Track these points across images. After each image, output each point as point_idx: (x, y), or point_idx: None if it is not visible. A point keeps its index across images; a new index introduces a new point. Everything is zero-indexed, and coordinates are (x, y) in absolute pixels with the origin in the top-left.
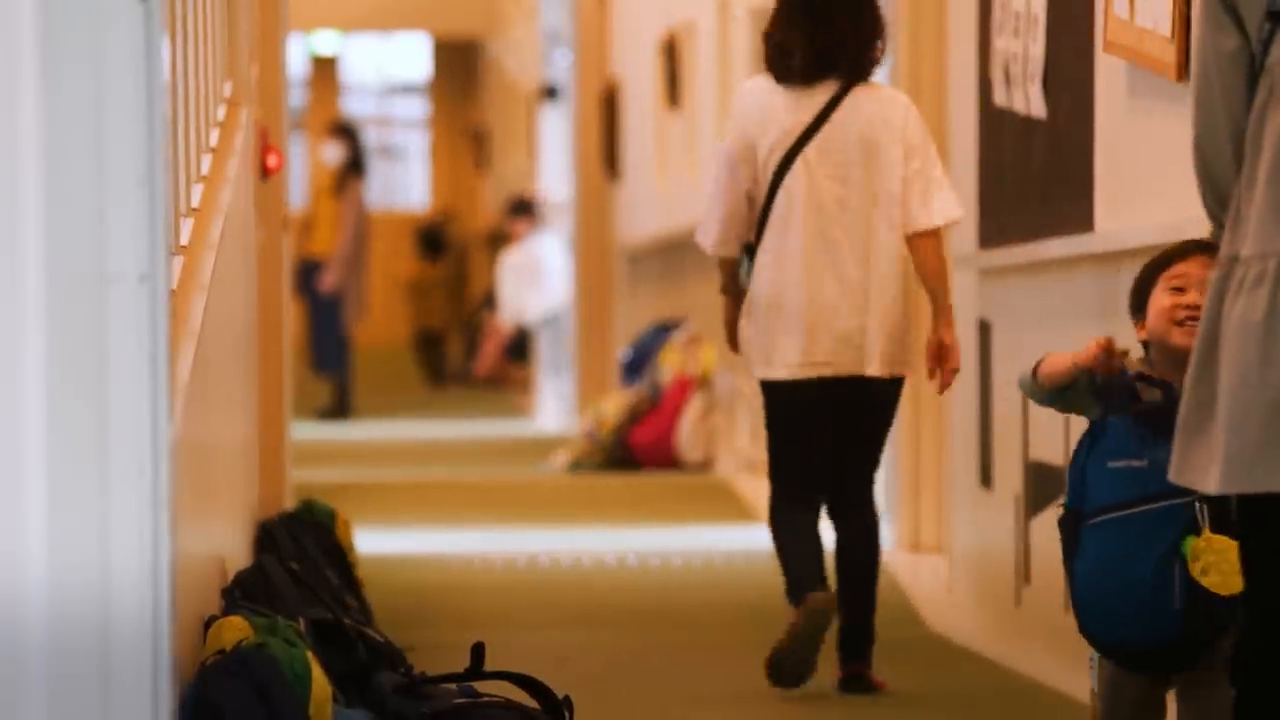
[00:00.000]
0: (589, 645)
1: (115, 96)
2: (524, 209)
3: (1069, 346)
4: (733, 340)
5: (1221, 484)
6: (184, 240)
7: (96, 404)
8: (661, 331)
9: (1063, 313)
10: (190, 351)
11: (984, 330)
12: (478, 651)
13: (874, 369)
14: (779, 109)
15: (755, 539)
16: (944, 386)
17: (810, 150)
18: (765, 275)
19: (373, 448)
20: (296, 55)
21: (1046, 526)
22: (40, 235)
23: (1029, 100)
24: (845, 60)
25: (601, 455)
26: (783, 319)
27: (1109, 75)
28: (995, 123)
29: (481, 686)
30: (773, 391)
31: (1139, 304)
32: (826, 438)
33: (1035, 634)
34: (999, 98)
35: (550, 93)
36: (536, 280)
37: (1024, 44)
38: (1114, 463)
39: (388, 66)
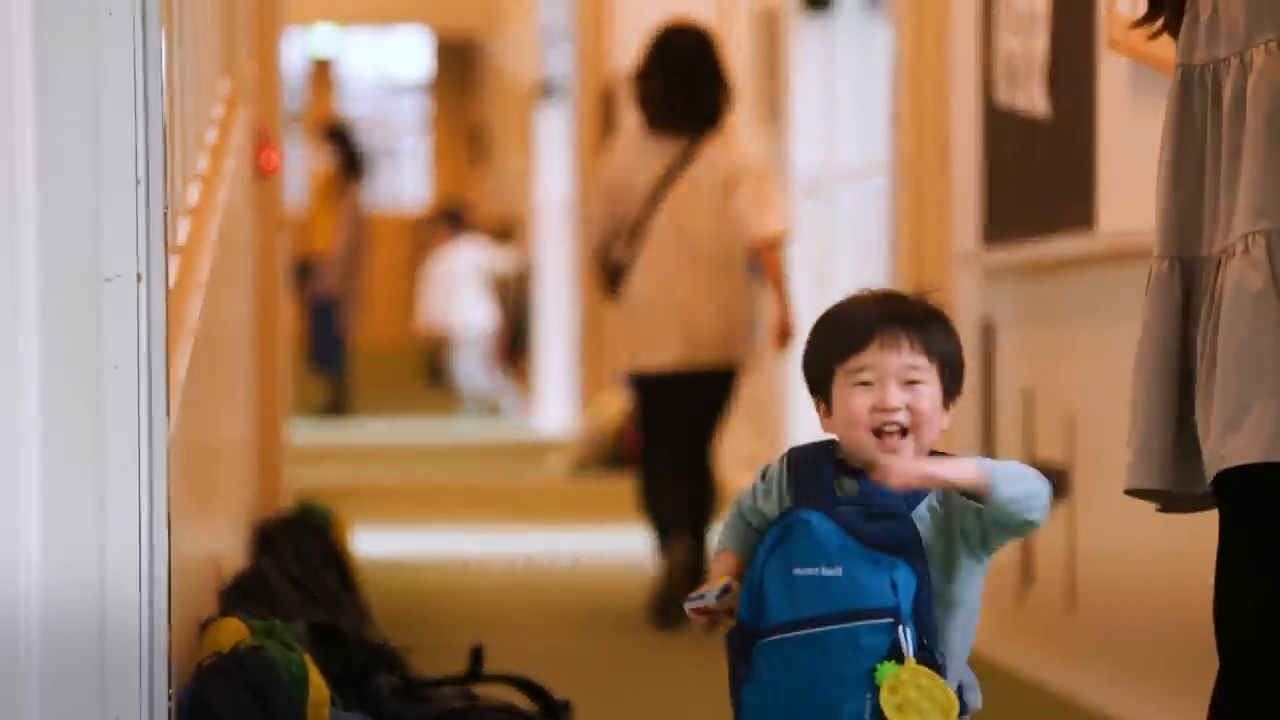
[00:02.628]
0: (588, 647)
1: (111, 94)
2: (448, 218)
3: (1072, 345)
4: (609, 290)
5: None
6: (181, 240)
7: (92, 404)
8: None
9: (1066, 312)
10: (187, 351)
11: (987, 330)
12: (476, 654)
13: (719, 359)
14: (650, 153)
15: None
16: (779, 346)
17: (676, 187)
18: (638, 286)
19: (371, 448)
20: (295, 55)
21: (1049, 526)
22: (35, 234)
23: (1031, 99)
24: (699, 111)
25: (602, 456)
26: (651, 322)
27: (1112, 73)
28: (998, 122)
29: (480, 689)
30: (642, 380)
31: (815, 384)
32: (685, 414)
33: (1037, 635)
34: (1001, 96)
35: (549, 90)
36: (452, 291)
37: (1027, 42)
38: (801, 570)
39: (386, 65)
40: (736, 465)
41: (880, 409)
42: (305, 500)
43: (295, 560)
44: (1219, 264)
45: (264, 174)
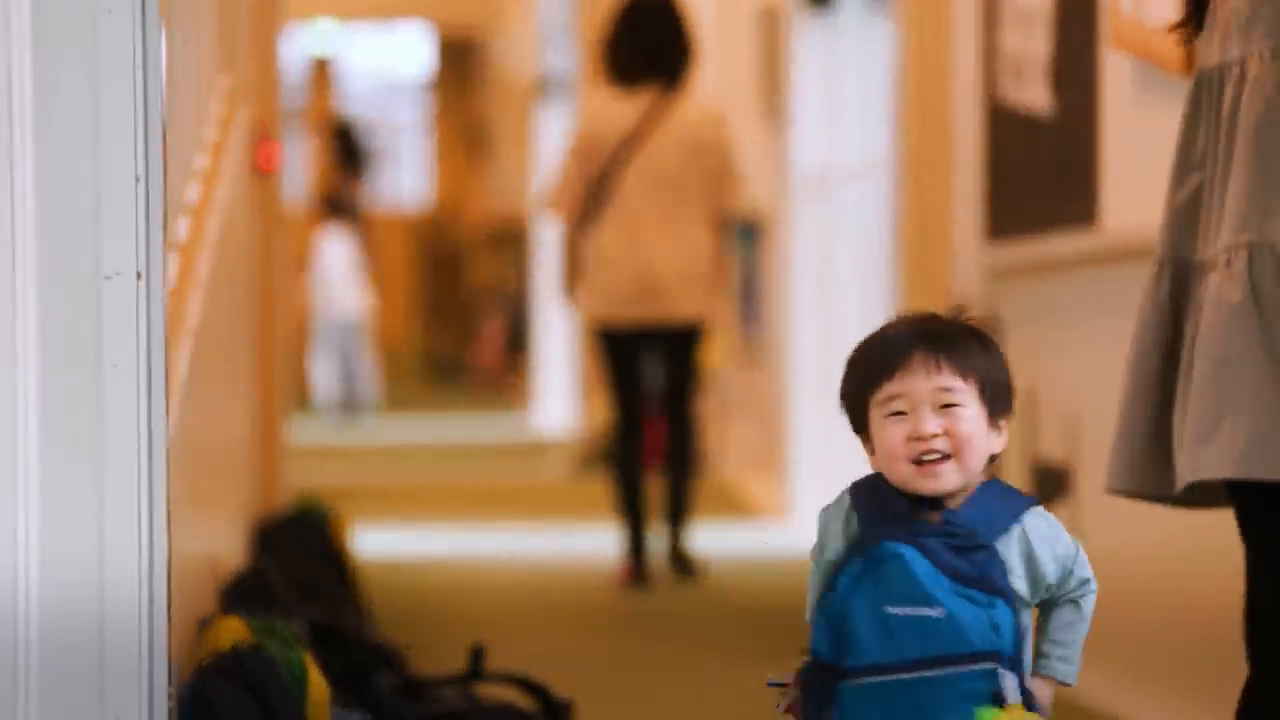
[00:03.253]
0: (589, 647)
1: (110, 92)
2: (329, 205)
3: (1075, 343)
4: (569, 291)
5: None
6: (180, 238)
7: (92, 402)
8: None
9: (1068, 311)
10: (187, 350)
11: (990, 328)
12: (477, 653)
13: (685, 315)
14: (618, 110)
15: (758, 539)
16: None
17: (646, 143)
18: (606, 240)
19: (371, 448)
20: (295, 52)
21: None
22: (35, 232)
23: (1034, 96)
24: (664, 68)
25: (602, 455)
26: (618, 276)
27: (1116, 71)
28: (1000, 119)
29: (481, 688)
30: (608, 335)
31: (855, 419)
32: (652, 369)
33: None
34: (1004, 94)
35: (549, 87)
36: (324, 282)
37: (1029, 39)
38: (897, 609)
39: (387, 62)
40: (740, 465)
41: (915, 438)
42: (305, 499)
43: (295, 559)
44: (1205, 273)
45: (264, 172)
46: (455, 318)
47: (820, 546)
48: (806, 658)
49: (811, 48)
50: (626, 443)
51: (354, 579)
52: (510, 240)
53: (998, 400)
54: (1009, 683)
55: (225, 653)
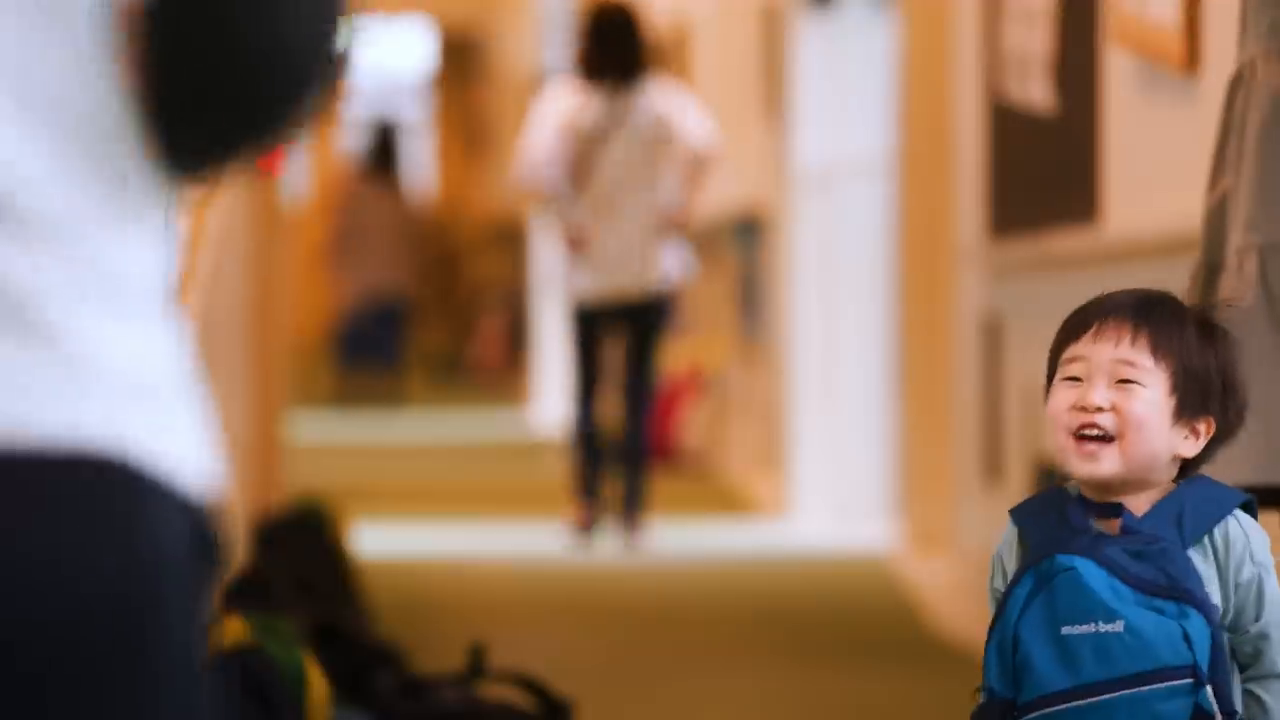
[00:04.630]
0: (590, 645)
1: None
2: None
3: None
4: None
5: None
6: (180, 236)
7: None
8: None
9: (1071, 308)
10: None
11: (993, 327)
12: (477, 652)
13: (651, 293)
14: (588, 101)
15: (758, 538)
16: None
17: (613, 131)
18: (585, 218)
19: (370, 446)
20: None
21: None
22: None
23: (1036, 94)
24: (625, 64)
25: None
26: (594, 255)
27: (1118, 69)
28: (1002, 117)
29: (481, 688)
30: (581, 311)
31: (1049, 381)
32: (622, 342)
33: None
34: (1005, 92)
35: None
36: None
37: (1031, 37)
38: (1073, 628)
39: (387, 59)
40: (741, 463)
41: (1080, 407)
42: (304, 498)
43: (295, 559)
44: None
45: (265, 172)
46: (455, 314)
47: (990, 579)
48: (981, 696)
49: (812, 45)
50: (585, 400)
51: (354, 579)
52: (510, 237)
53: (1193, 395)
54: (1208, 699)
55: (225, 653)
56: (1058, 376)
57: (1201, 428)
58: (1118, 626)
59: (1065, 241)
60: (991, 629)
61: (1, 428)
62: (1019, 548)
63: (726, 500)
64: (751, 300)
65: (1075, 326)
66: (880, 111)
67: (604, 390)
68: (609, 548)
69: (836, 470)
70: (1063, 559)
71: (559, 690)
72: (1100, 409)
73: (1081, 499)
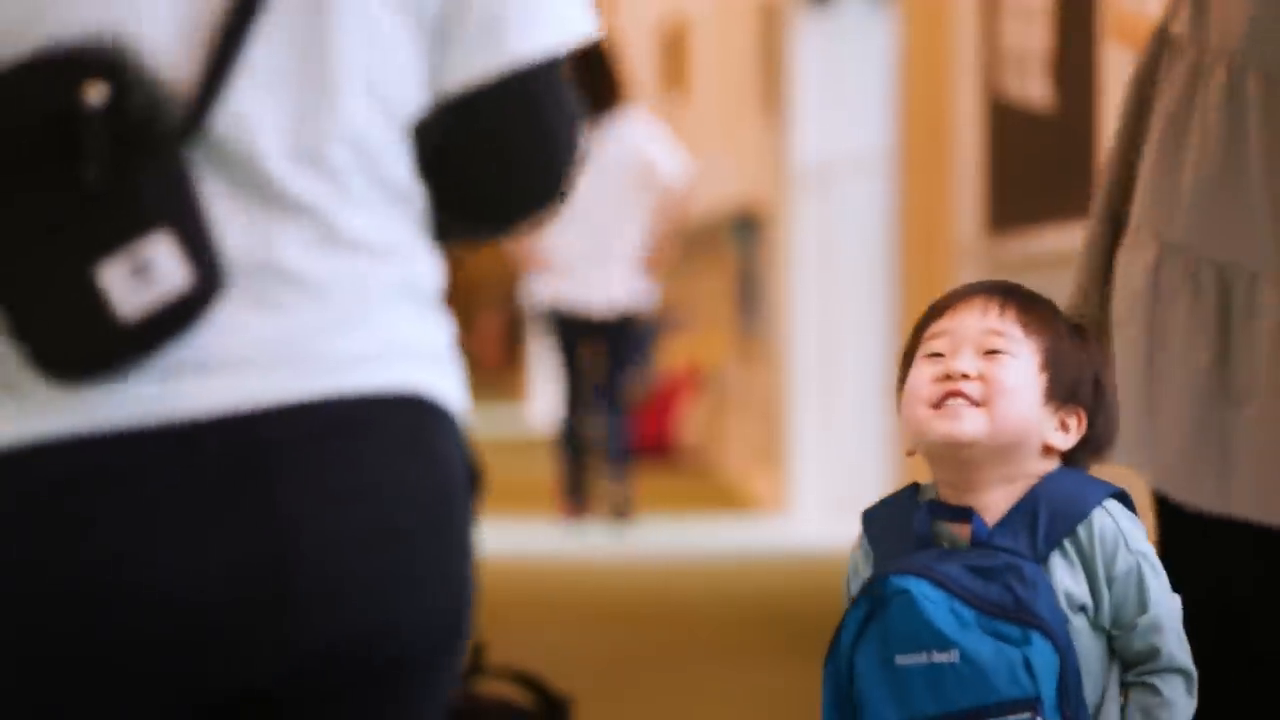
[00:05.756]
0: (588, 642)
1: None
2: None
3: None
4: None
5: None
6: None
7: None
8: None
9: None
10: None
11: None
12: (476, 649)
13: (629, 309)
14: None
15: (757, 535)
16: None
17: (593, 162)
18: (565, 240)
19: None
20: None
21: None
22: None
23: (1035, 91)
24: (599, 98)
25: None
26: (575, 274)
27: (1116, 65)
28: (1001, 113)
29: (479, 685)
30: (561, 320)
31: (901, 376)
32: (599, 351)
33: None
34: (1004, 88)
35: None
36: None
37: (1029, 33)
38: (906, 658)
39: None
40: (740, 460)
41: (944, 376)
42: None
43: None
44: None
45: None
46: (453, 311)
47: (846, 591)
48: None
49: (811, 42)
50: (569, 402)
51: None
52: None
53: (1064, 380)
54: None
55: None
56: (917, 354)
57: (1072, 421)
58: (952, 656)
59: (1064, 238)
60: (827, 658)
61: (352, 384)
62: (870, 558)
63: (725, 497)
64: (750, 297)
65: (937, 308)
66: (879, 109)
67: (587, 394)
68: (601, 543)
69: (835, 467)
70: (896, 581)
71: (558, 687)
72: (966, 376)
73: (932, 504)
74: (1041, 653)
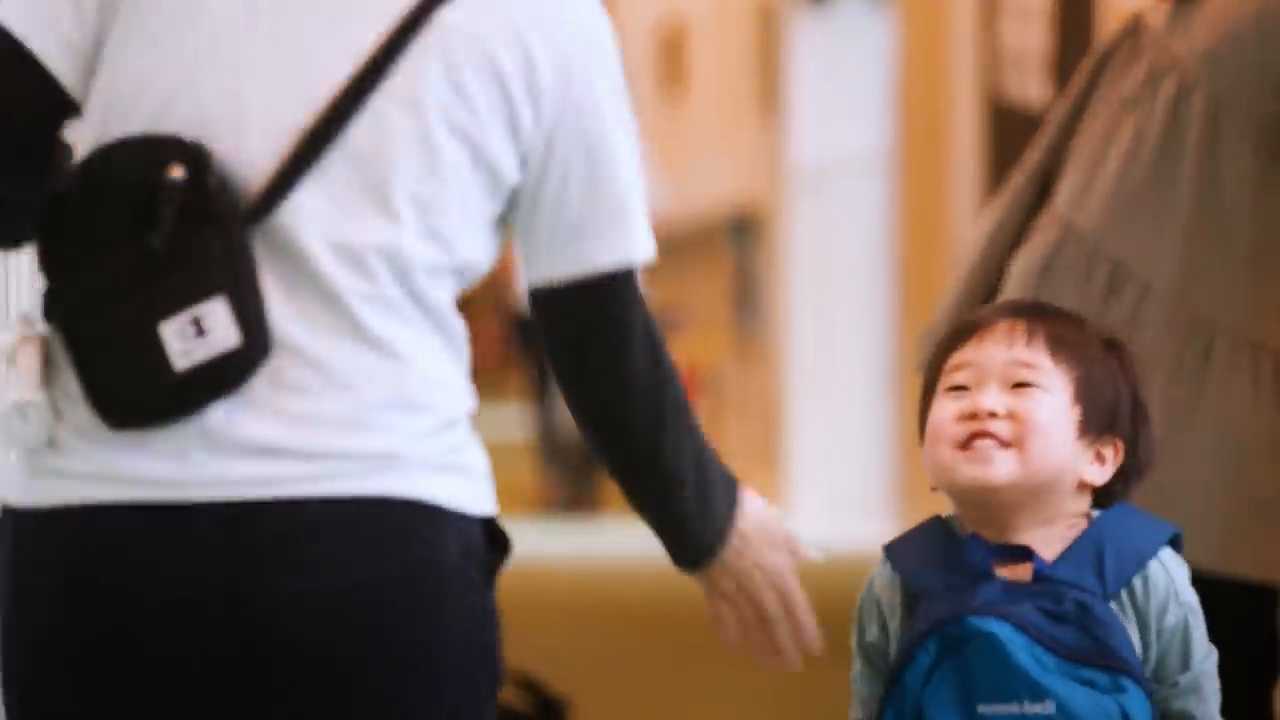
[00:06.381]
0: (585, 643)
1: None
2: None
3: None
4: None
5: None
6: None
7: None
8: None
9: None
10: None
11: None
12: None
13: None
14: None
15: None
16: None
17: None
18: None
19: None
20: None
21: None
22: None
23: (1034, 91)
24: None
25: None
26: None
27: None
28: (1000, 114)
29: None
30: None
31: (924, 408)
32: None
33: None
34: (1002, 88)
35: None
36: None
37: (1027, 33)
38: (993, 707)
39: None
40: (739, 462)
41: (969, 415)
42: None
43: None
44: None
45: None
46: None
47: (860, 630)
48: None
49: (809, 43)
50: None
51: None
52: None
53: (1100, 410)
54: None
55: None
56: (939, 388)
57: (1109, 452)
58: (1047, 707)
59: None
60: (885, 702)
61: (352, 488)
62: (900, 594)
63: None
64: (748, 298)
65: (957, 333)
66: (877, 109)
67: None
68: (601, 543)
69: (833, 468)
70: (976, 622)
71: (557, 688)
72: (994, 414)
73: (976, 538)
74: (1136, 699)
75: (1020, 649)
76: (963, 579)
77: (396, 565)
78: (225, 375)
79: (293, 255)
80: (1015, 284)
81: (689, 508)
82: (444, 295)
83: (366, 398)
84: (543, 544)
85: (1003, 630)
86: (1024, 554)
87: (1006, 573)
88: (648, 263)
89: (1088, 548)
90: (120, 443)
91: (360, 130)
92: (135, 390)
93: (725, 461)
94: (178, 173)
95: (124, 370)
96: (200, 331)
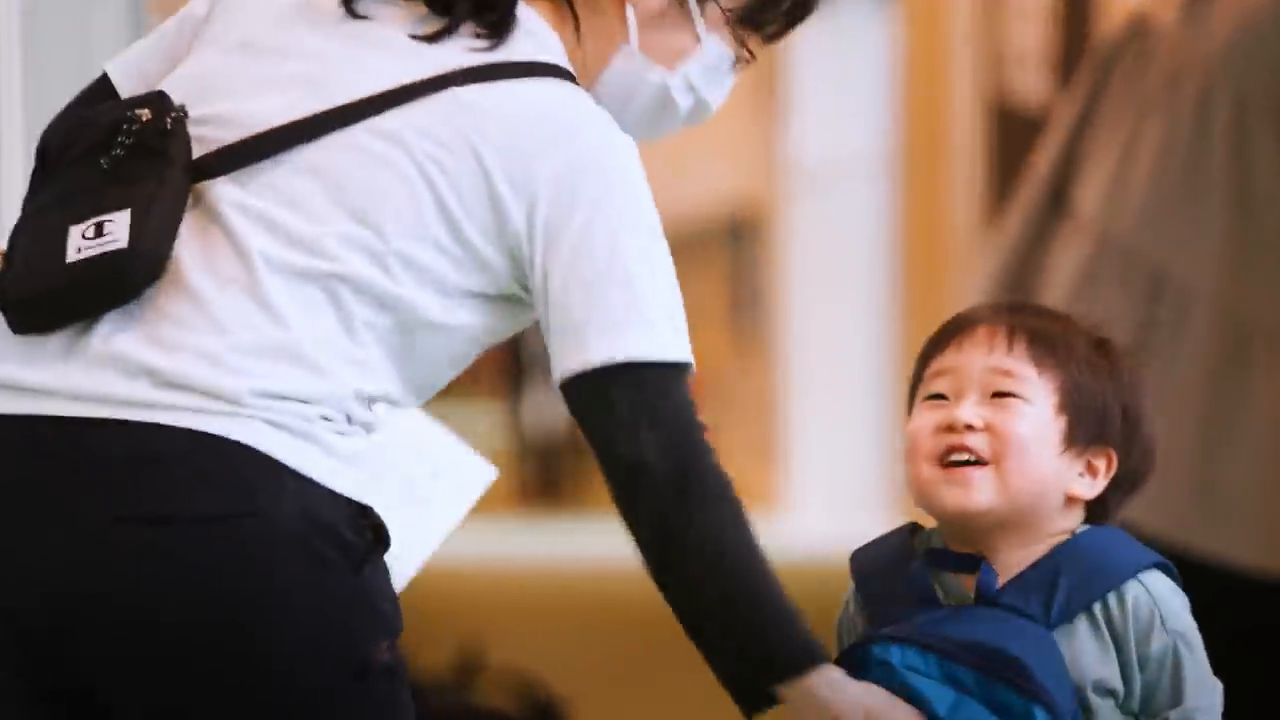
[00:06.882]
0: (586, 646)
1: None
2: None
3: None
4: None
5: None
6: None
7: None
8: None
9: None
10: None
11: None
12: (471, 652)
13: None
14: None
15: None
16: None
17: None
18: None
19: None
20: None
21: None
22: None
23: (1033, 89)
24: None
25: None
26: None
27: None
28: (1000, 113)
29: (474, 689)
30: None
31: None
32: None
33: None
34: (1003, 89)
35: None
36: None
37: (1028, 34)
38: None
39: None
40: (739, 461)
41: (946, 427)
42: None
43: None
44: None
45: None
46: None
47: (837, 642)
48: None
49: (808, 42)
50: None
51: None
52: None
53: (1088, 419)
54: None
55: None
56: (918, 396)
57: (1100, 464)
58: None
59: None
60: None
61: (197, 422)
62: (853, 599)
63: None
64: (747, 297)
65: (939, 337)
66: (877, 109)
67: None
68: (600, 543)
69: (833, 467)
70: (876, 650)
71: (555, 690)
72: (970, 427)
73: (933, 552)
74: None
75: (923, 673)
76: (903, 600)
77: (218, 502)
78: (106, 275)
79: (218, 214)
80: (1057, 298)
81: (718, 647)
82: (365, 311)
83: (234, 341)
84: (537, 545)
85: (901, 656)
86: (974, 564)
87: (963, 582)
88: (661, 361)
89: (1045, 571)
90: (17, 352)
91: (331, 144)
92: (33, 288)
93: (726, 460)
94: (145, 114)
95: (31, 269)
96: (100, 234)
